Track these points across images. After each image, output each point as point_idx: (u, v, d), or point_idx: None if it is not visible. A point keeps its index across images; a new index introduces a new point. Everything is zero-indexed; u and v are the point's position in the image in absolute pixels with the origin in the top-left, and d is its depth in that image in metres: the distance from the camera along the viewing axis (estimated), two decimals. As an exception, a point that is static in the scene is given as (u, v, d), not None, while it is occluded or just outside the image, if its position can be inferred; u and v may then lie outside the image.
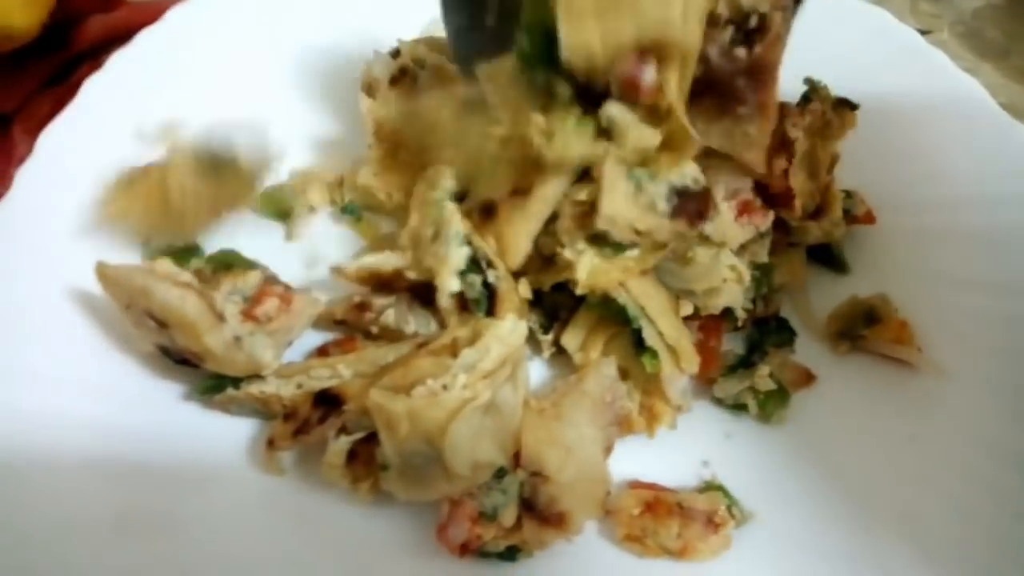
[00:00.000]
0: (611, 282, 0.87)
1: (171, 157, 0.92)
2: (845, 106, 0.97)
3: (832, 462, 0.92)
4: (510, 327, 0.80)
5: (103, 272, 0.81)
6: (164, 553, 0.80)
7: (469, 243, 0.86)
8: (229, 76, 1.10)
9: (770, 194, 0.92)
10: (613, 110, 0.81)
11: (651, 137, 0.87)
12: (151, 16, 1.15)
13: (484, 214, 0.88)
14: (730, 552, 0.85)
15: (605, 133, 0.86)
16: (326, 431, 0.80)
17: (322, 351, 0.91)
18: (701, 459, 0.92)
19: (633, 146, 0.86)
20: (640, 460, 0.90)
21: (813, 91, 0.96)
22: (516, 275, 0.91)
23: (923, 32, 1.32)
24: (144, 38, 1.09)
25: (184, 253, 0.94)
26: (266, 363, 0.82)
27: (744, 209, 0.89)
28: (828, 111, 0.95)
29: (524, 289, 0.91)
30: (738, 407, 0.94)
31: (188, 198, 0.89)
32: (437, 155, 0.90)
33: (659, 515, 0.84)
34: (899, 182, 1.10)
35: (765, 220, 0.90)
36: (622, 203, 0.83)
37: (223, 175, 0.92)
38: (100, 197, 0.93)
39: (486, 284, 0.87)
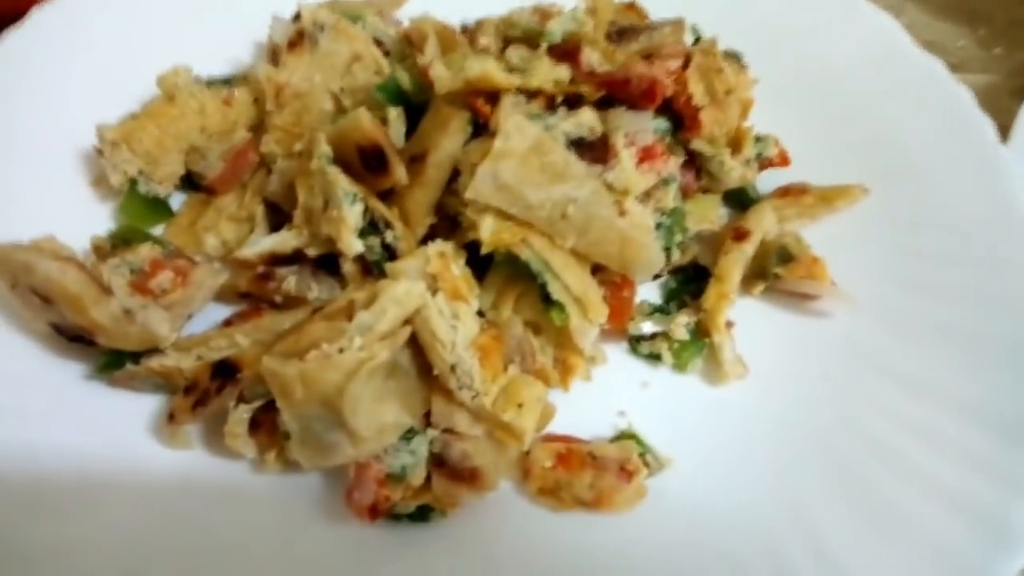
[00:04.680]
0: (514, 239, 0.85)
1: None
2: (733, 58, 0.99)
3: (748, 405, 0.91)
4: (406, 288, 0.78)
5: (-13, 252, 0.79)
6: (77, 533, 0.79)
7: (362, 202, 0.84)
8: (128, 46, 1.08)
9: (675, 113, 0.92)
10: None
11: (562, 72, 0.86)
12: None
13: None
14: (647, 503, 0.84)
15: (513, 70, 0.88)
16: (225, 401, 0.79)
17: (226, 324, 0.89)
18: (617, 410, 0.91)
19: (542, 79, 0.86)
20: (556, 414, 0.89)
21: (697, 42, 0.99)
22: (423, 240, 0.90)
23: (843, -29, 1.30)
24: (39, 14, 1.07)
25: (156, 207, 0.98)
26: (162, 336, 0.81)
27: (646, 155, 0.87)
28: (717, 59, 0.94)
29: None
30: (653, 357, 0.94)
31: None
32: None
33: (572, 466, 0.84)
34: (816, 124, 1.10)
35: (668, 165, 0.89)
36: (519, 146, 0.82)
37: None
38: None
39: (385, 245, 0.85)
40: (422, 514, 0.82)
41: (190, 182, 1.02)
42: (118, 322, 0.78)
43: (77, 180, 1.00)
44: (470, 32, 1.06)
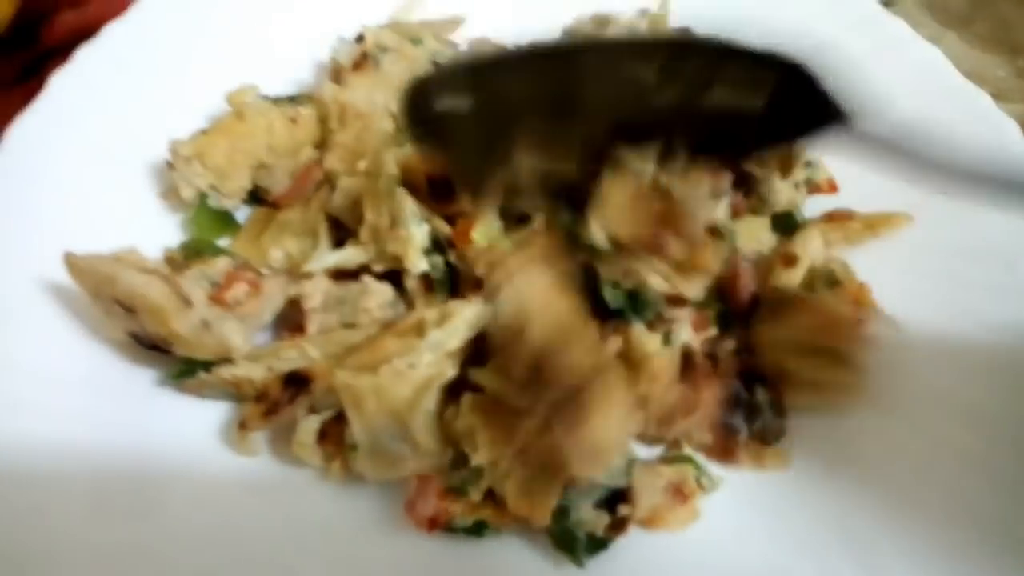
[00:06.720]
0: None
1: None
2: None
3: (800, 424, 0.93)
4: (478, 311, 0.81)
5: (71, 262, 0.83)
6: (144, 537, 0.81)
7: (428, 223, 0.87)
8: (197, 65, 1.11)
9: None
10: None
11: None
12: (119, 10, 1.15)
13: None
14: (699, 521, 0.86)
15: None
16: (296, 411, 0.82)
17: (294, 329, 0.92)
18: (668, 427, 0.93)
19: None
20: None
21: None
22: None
23: (885, 0, 1.33)
24: (111, 31, 1.10)
25: (224, 220, 1.01)
26: (236, 346, 0.83)
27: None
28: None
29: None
30: (704, 378, 0.96)
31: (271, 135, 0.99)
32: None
33: (625, 487, 0.85)
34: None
35: (719, 180, 0.91)
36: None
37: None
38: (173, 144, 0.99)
39: (448, 264, 0.88)
40: (478, 529, 0.83)
41: (252, 196, 1.05)
42: (196, 333, 0.81)
43: (146, 193, 1.03)
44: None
